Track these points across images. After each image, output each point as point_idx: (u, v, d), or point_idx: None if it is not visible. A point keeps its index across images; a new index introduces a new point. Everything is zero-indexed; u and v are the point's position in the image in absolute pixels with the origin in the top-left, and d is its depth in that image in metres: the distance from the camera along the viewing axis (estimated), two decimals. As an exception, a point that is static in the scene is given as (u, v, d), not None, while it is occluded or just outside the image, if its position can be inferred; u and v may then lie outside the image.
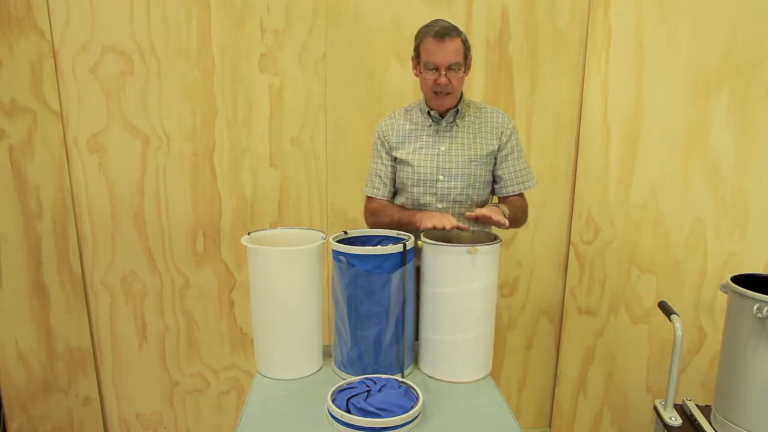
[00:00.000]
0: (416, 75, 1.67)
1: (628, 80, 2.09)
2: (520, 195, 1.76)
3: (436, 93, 1.61)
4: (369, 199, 1.79)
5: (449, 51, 1.54)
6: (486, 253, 1.37)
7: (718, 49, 1.91)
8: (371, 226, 1.77)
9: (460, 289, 1.39)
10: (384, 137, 1.73)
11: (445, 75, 1.56)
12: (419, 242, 1.43)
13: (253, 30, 2.09)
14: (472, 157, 1.67)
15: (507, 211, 1.58)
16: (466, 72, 1.63)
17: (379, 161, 1.75)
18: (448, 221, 1.48)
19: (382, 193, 1.76)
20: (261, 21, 2.09)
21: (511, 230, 2.32)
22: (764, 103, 1.87)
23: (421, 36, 1.59)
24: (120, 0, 2.02)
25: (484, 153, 1.68)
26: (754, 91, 1.88)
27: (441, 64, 1.55)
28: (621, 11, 2.08)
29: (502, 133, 1.69)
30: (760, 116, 1.88)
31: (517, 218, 1.72)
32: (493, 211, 1.48)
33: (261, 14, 2.08)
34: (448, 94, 1.60)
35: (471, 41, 2.12)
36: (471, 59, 1.63)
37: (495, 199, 1.82)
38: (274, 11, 2.08)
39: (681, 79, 1.99)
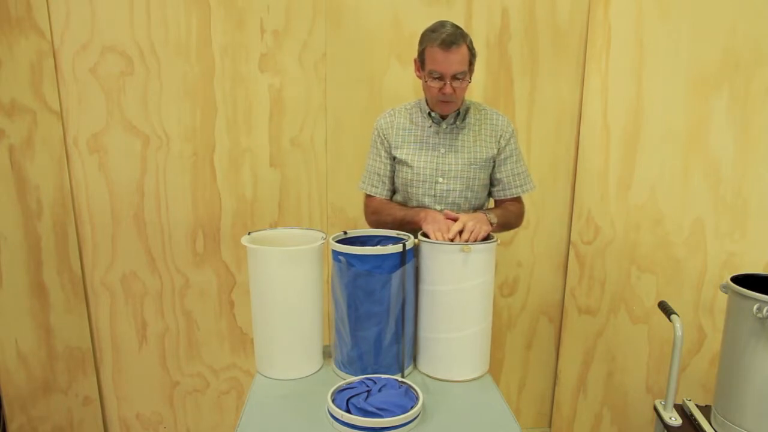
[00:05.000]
0: (419, 77, 1.64)
1: (628, 80, 2.09)
2: (517, 199, 1.76)
3: (441, 100, 1.60)
4: (369, 197, 1.78)
5: (455, 61, 1.50)
6: (480, 251, 1.38)
7: (718, 49, 1.92)
8: (373, 224, 1.75)
9: (454, 287, 1.39)
10: (384, 135, 1.72)
11: (450, 84, 1.53)
12: (416, 240, 1.43)
13: (253, 30, 2.09)
14: (472, 160, 1.67)
15: (495, 219, 1.58)
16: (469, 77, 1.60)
17: (378, 159, 1.74)
18: (447, 229, 1.44)
19: (381, 191, 1.75)
20: (261, 21, 2.09)
21: (512, 230, 2.32)
22: (764, 102, 1.87)
23: (426, 42, 1.54)
24: (120, 0, 2.02)
25: (484, 157, 1.68)
26: (754, 90, 1.88)
27: (446, 73, 1.52)
28: (621, 11, 2.08)
29: (501, 136, 1.69)
30: (760, 115, 1.88)
31: (509, 224, 1.73)
32: (473, 221, 1.45)
33: (261, 14, 2.08)
34: (452, 101, 1.59)
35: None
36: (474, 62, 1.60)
37: (491, 203, 1.82)
38: (274, 11, 2.08)
39: (681, 79, 1.99)
